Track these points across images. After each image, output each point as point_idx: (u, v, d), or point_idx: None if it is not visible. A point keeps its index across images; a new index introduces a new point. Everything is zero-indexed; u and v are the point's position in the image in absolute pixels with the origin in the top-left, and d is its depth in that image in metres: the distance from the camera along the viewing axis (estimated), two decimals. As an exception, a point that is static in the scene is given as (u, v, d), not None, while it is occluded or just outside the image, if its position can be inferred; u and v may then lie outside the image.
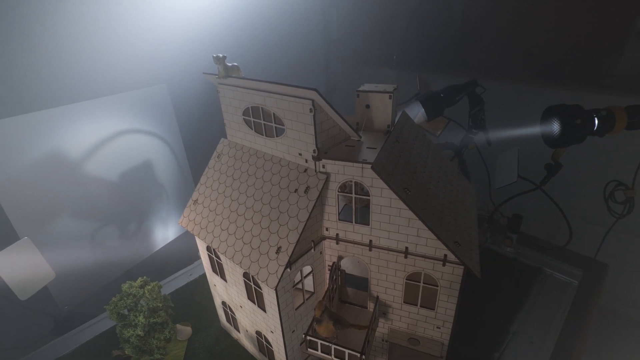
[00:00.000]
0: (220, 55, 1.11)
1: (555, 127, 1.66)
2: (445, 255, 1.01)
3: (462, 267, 1.00)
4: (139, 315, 1.30)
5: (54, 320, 1.86)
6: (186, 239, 2.39)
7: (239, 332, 1.48)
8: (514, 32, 2.50)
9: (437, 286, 1.08)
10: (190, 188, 2.41)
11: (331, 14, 3.52)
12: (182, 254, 2.24)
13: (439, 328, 1.16)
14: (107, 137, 1.93)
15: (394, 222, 1.03)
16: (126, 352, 1.35)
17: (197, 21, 2.28)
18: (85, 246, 1.94)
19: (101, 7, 1.85)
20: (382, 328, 1.27)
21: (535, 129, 1.76)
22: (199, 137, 2.33)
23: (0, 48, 1.60)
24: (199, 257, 2.04)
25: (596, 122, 1.62)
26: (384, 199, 1.00)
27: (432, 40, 2.95)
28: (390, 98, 1.14)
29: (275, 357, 1.27)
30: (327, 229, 1.15)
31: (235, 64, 1.16)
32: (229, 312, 1.46)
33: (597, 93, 2.23)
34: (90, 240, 1.97)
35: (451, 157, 2.17)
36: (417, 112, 1.97)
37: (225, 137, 1.34)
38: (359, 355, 1.02)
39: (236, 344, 1.52)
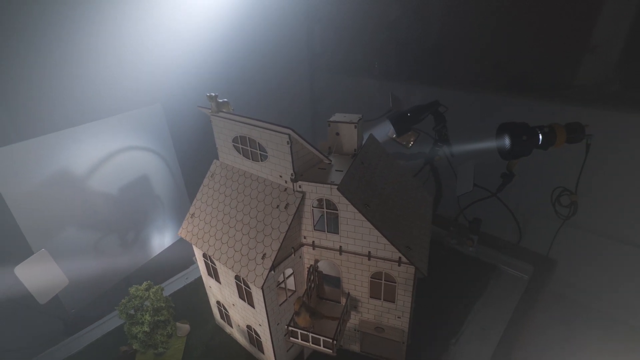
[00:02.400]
0: (213, 94, 1.33)
1: (506, 142, 1.91)
2: (400, 258, 1.25)
3: (413, 267, 1.24)
4: (145, 314, 1.50)
5: (63, 323, 2.04)
6: (181, 246, 2.58)
7: (232, 327, 1.69)
8: (485, 47, 2.75)
9: (395, 283, 1.31)
10: (184, 199, 2.61)
11: (314, 29, 3.74)
12: (177, 259, 2.43)
13: (400, 317, 1.40)
14: (108, 155, 2.13)
15: (358, 231, 1.26)
16: (134, 347, 1.56)
17: (188, 40, 2.48)
18: (89, 255, 2.13)
19: (102, 34, 2.05)
20: (354, 320, 1.50)
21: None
22: (191, 153, 2.54)
23: (15, 79, 1.80)
24: (193, 262, 2.26)
25: (540, 137, 1.87)
26: (349, 213, 1.23)
27: (410, 53, 3.19)
28: (355, 127, 1.37)
29: (264, 346, 1.49)
30: (305, 237, 1.37)
31: (226, 99, 1.38)
32: (223, 310, 1.68)
33: (559, 104, 2.50)
34: (94, 249, 2.16)
35: (421, 166, 2.41)
36: (389, 129, 2.21)
37: (217, 157, 1.56)
38: (331, 340, 1.25)
39: (230, 338, 1.74)
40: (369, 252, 1.29)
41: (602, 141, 1.94)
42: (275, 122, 1.21)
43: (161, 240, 2.52)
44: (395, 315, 1.40)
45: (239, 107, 1.47)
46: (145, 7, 2.15)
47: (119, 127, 2.14)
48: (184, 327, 1.78)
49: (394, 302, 1.37)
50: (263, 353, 1.53)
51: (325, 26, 3.71)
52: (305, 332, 1.30)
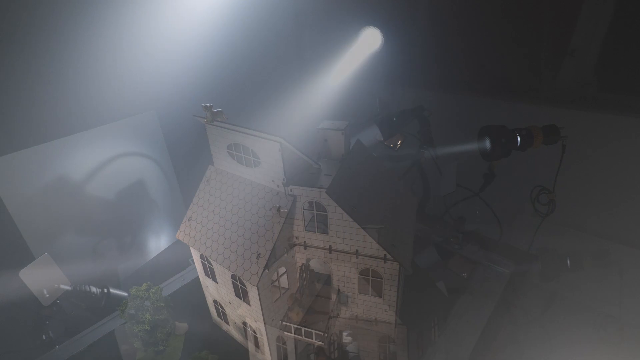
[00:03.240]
0: (208, 104, 1.41)
1: (487, 144, 2.01)
2: (385, 255, 1.34)
3: (397, 263, 1.33)
4: (146, 313, 1.58)
5: (64, 324, 2.10)
6: (177, 249, 2.65)
7: (228, 324, 1.77)
8: (471, 51, 2.86)
9: (382, 279, 1.41)
10: (179, 202, 2.68)
11: (303, 35, 3.83)
12: (174, 261, 2.49)
13: (386, 311, 1.49)
14: (104, 161, 2.20)
15: (345, 231, 1.35)
16: (134, 345, 1.63)
17: (182, 47, 2.54)
18: (88, 259, 2.20)
19: (98, 42, 2.10)
20: (345, 314, 1.59)
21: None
22: (186, 159, 2.61)
23: (11, 89, 1.85)
24: (189, 264, 2.33)
25: (518, 139, 1.98)
26: (337, 214, 1.32)
27: (398, 56, 3.29)
28: (342, 134, 1.46)
29: (259, 341, 1.58)
30: (296, 238, 1.46)
31: (220, 109, 1.46)
32: (220, 309, 1.76)
33: (539, 106, 2.62)
34: (92, 253, 2.22)
35: (409, 167, 2.51)
36: (376, 132, 2.30)
37: (212, 163, 1.64)
38: (322, 333, 1.34)
39: (226, 335, 1.82)
40: (357, 250, 1.38)
41: (579, 141, 2.05)
42: (267, 127, 1.29)
43: (158, 243, 2.59)
44: (383, 309, 1.49)
45: (232, 113, 1.54)
46: (141, 16, 2.22)
47: (115, 134, 2.21)
48: (182, 326, 1.86)
49: (381, 297, 1.46)
50: (258, 348, 1.61)
51: (313, 31, 3.79)
52: (298, 327, 1.38)
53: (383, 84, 3.40)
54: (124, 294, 1.85)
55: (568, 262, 1.98)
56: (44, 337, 1.74)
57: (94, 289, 1.80)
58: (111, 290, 1.87)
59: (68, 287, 1.75)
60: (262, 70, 3.26)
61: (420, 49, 3.13)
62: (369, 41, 3.39)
